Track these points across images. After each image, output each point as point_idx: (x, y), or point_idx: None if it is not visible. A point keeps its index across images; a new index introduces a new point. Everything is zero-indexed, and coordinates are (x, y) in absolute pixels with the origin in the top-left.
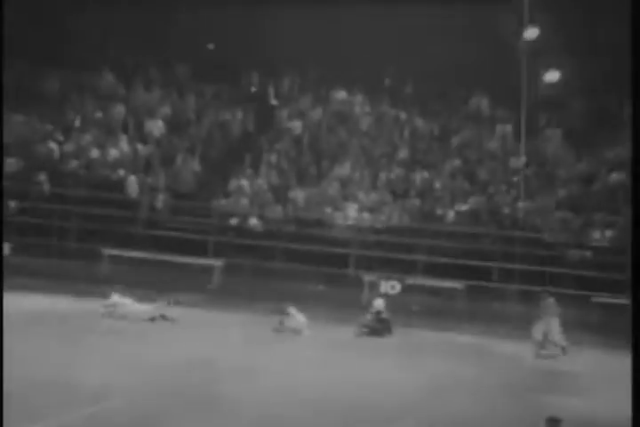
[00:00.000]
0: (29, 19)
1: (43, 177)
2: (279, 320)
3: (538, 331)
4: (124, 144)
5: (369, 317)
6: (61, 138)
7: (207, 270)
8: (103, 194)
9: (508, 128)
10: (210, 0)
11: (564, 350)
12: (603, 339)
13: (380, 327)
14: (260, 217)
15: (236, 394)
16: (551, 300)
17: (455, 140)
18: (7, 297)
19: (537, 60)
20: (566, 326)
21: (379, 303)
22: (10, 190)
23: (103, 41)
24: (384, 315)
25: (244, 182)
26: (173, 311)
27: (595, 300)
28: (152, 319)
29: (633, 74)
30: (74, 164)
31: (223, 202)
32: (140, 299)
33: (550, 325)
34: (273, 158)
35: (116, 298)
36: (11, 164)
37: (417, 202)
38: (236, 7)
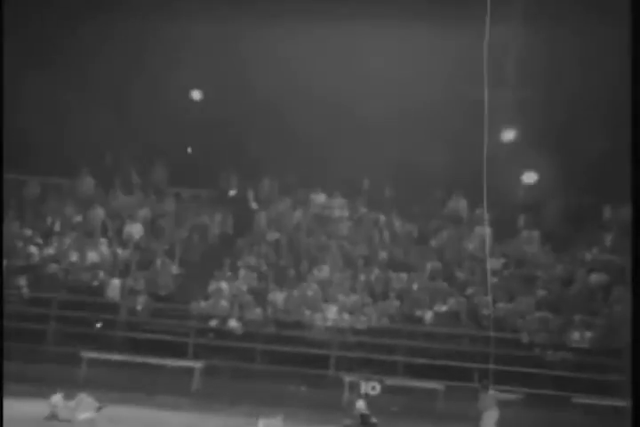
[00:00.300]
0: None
1: (22, 281)
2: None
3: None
4: (103, 248)
5: (351, 421)
6: (41, 242)
7: (187, 372)
8: (82, 297)
9: (487, 229)
10: (187, 103)
11: None
12: None
13: None
14: (240, 319)
15: None
16: (491, 393)
17: (434, 242)
18: None
19: (514, 162)
20: None
21: (360, 405)
22: None
23: (82, 144)
24: (372, 419)
25: (224, 285)
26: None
27: (575, 400)
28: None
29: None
30: (53, 267)
31: (202, 304)
32: (118, 402)
33: (488, 419)
34: (252, 261)
35: (56, 399)
36: None
37: (396, 303)
38: (213, 110)
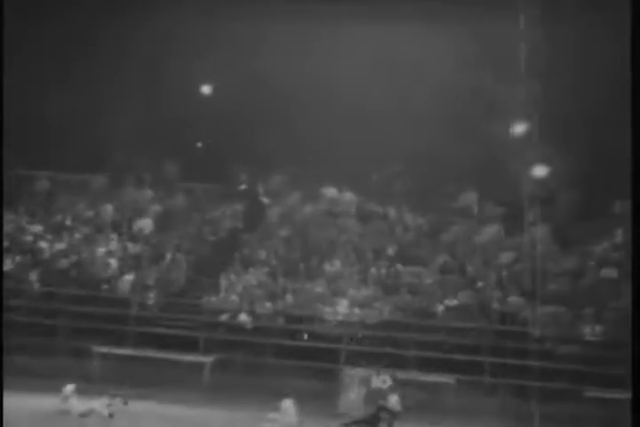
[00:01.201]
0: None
1: (33, 276)
2: (271, 416)
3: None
4: (114, 243)
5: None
6: (51, 237)
7: (198, 367)
8: (93, 292)
9: (497, 224)
10: (198, 99)
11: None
12: None
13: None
14: (250, 313)
15: None
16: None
17: (444, 236)
18: None
19: (525, 155)
20: (559, 421)
21: (394, 400)
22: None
23: (93, 142)
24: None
25: (234, 279)
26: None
27: (588, 394)
28: (84, 415)
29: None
30: (64, 262)
31: (213, 299)
32: (129, 396)
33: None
34: (262, 255)
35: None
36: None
37: (408, 297)
38: (223, 105)
